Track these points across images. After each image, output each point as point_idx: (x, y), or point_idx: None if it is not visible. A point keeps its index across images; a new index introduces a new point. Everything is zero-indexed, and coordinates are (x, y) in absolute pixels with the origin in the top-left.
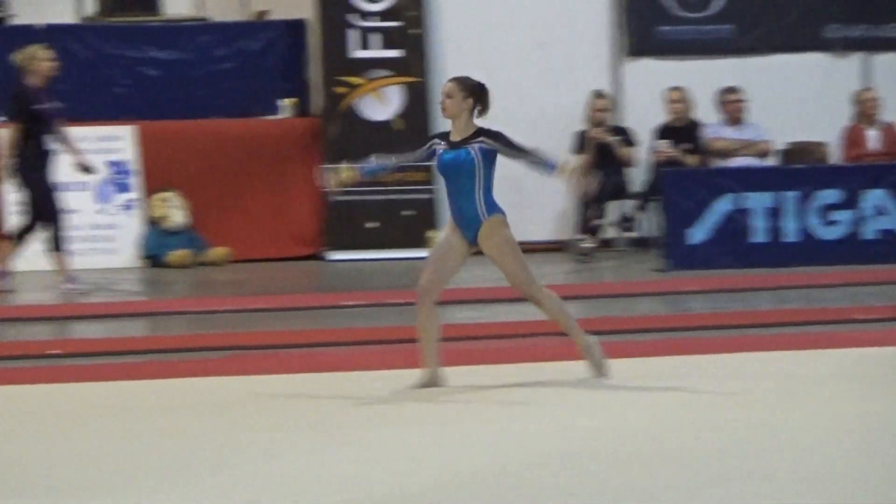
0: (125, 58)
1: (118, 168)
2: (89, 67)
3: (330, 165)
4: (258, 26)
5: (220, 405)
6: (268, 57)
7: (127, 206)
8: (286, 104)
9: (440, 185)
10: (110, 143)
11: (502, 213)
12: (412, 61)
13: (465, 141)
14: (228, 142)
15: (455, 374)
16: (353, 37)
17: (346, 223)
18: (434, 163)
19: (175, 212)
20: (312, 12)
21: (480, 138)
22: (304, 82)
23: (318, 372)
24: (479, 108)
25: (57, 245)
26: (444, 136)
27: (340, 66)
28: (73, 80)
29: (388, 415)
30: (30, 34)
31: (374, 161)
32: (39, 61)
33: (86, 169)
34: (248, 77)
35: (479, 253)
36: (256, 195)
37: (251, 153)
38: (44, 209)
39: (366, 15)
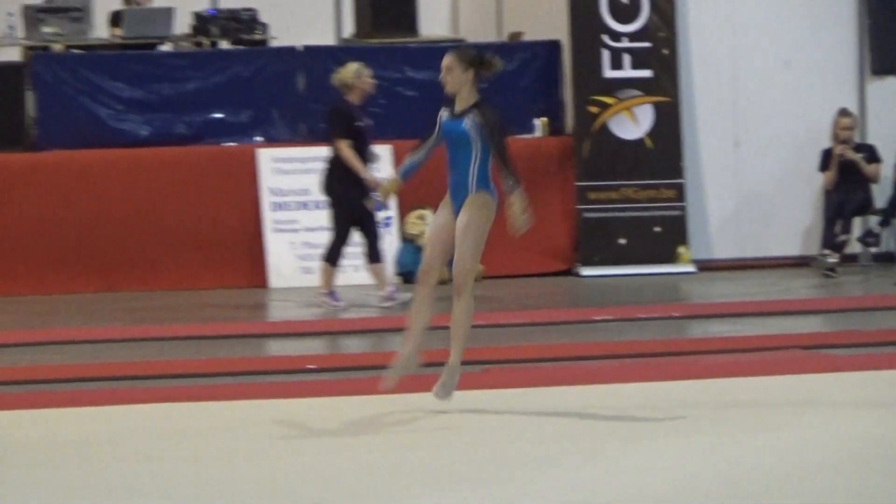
0: (382, 78)
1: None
2: None
3: (376, 194)
4: (513, 47)
5: (483, 417)
6: (523, 77)
7: (384, 224)
8: (540, 123)
9: (689, 202)
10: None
11: (491, 193)
12: (662, 81)
13: (464, 112)
14: None
15: (718, 386)
16: (605, 57)
17: (598, 239)
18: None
19: None
20: (566, 34)
21: (473, 111)
22: (558, 102)
23: (570, 385)
24: (483, 74)
25: (374, 257)
26: (451, 105)
27: (593, 85)
28: (331, 101)
29: (651, 426)
30: (290, 56)
31: (406, 161)
32: (361, 79)
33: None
34: (503, 97)
35: None
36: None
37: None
38: (361, 224)
39: (618, 36)
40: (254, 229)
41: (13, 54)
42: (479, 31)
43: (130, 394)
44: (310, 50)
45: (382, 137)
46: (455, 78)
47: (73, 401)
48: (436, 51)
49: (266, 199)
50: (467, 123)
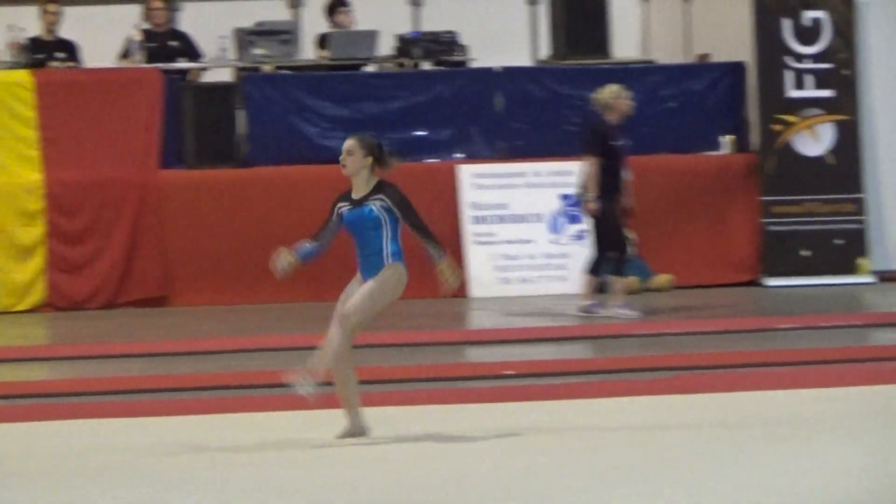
0: (577, 98)
1: (570, 201)
2: (544, 107)
3: (279, 255)
4: (701, 68)
5: (674, 420)
6: (709, 97)
7: (578, 237)
8: (726, 141)
9: (869, 215)
10: (562, 178)
11: (403, 264)
12: (843, 100)
13: (366, 198)
14: (673, 175)
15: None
16: (788, 78)
17: (781, 252)
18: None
19: None
20: (751, 55)
21: (379, 195)
22: (743, 120)
23: (755, 391)
24: (376, 165)
25: (595, 270)
26: (347, 195)
27: (777, 105)
28: (529, 119)
29: (834, 428)
30: (488, 76)
31: (308, 245)
32: (620, 100)
33: (626, 208)
34: (690, 115)
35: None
36: (697, 225)
37: (693, 186)
38: (610, 240)
39: (800, 57)
40: (454, 242)
41: (225, 75)
42: (670, 54)
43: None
44: (507, 71)
45: (577, 154)
46: (354, 162)
47: (284, 405)
48: (627, 72)
49: (466, 213)
50: (375, 207)
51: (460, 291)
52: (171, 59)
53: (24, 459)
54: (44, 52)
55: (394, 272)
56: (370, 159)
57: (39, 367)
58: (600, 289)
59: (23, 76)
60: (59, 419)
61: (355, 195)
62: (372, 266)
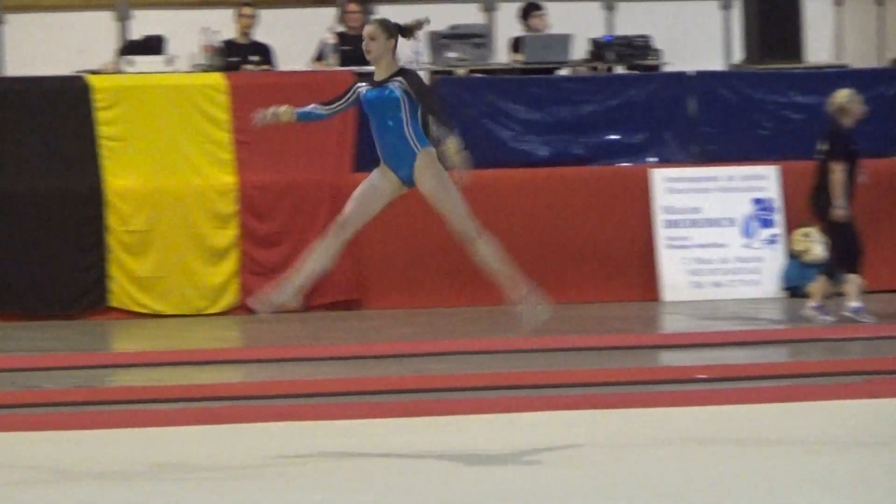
0: (769, 102)
1: (763, 205)
2: (736, 111)
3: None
4: (894, 73)
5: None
6: None
7: (771, 241)
8: None
9: None
10: (755, 182)
11: (431, 145)
12: None
13: (387, 80)
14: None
15: None
16: None
17: None
18: (358, 104)
19: (815, 246)
20: None
21: (398, 77)
22: None
23: None
24: (407, 37)
25: (831, 273)
26: (367, 79)
27: None
28: (722, 123)
29: None
30: (681, 81)
31: (311, 107)
32: (854, 104)
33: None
34: (883, 120)
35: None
36: (889, 228)
37: (886, 189)
38: (846, 244)
39: None
40: (647, 245)
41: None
42: (863, 58)
43: (531, 402)
44: (700, 75)
45: (770, 159)
46: (378, 46)
47: (476, 408)
48: (820, 77)
49: (659, 217)
50: (395, 88)
51: (651, 295)
52: (366, 62)
53: (233, 461)
54: (238, 54)
55: (431, 163)
56: (392, 42)
57: (232, 369)
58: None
59: (217, 79)
60: (252, 422)
61: (377, 77)
62: (399, 153)
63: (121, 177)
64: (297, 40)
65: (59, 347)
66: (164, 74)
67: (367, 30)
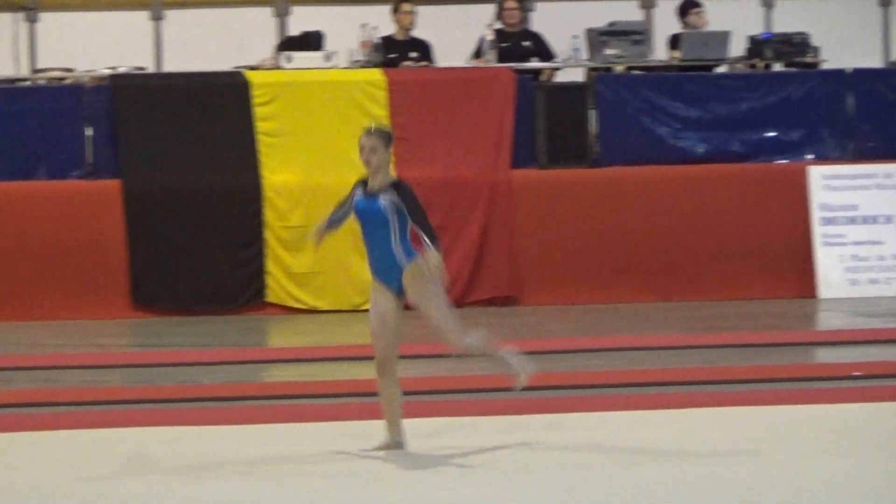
0: None
1: None
2: (894, 108)
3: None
4: None
5: None
6: None
7: None
8: None
9: None
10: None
11: (418, 257)
12: None
13: (379, 191)
14: None
15: None
16: None
17: None
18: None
19: None
20: None
21: (392, 191)
22: None
23: None
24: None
25: None
26: (363, 182)
27: None
28: (880, 121)
29: None
30: (839, 78)
31: (328, 218)
32: None
33: None
34: None
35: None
36: None
37: None
38: None
39: None
40: (803, 242)
41: (577, 75)
42: None
43: (687, 398)
44: (858, 72)
45: None
46: (379, 158)
47: (630, 404)
48: None
49: (816, 215)
50: (383, 202)
51: (807, 292)
52: (524, 59)
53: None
54: (397, 50)
55: (421, 278)
56: (390, 151)
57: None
58: None
59: (375, 75)
60: (407, 417)
61: (371, 185)
62: (388, 265)
63: (278, 173)
64: (455, 37)
65: (216, 343)
66: (323, 70)
67: (369, 142)
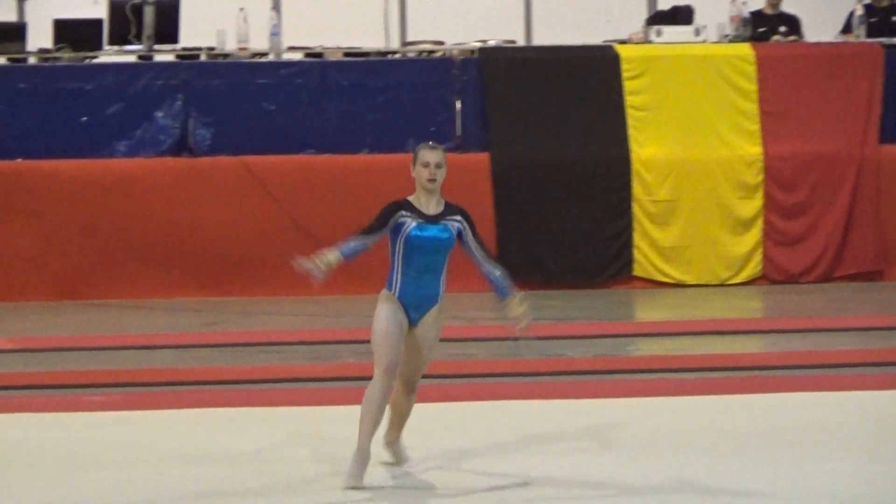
0: None
1: None
2: None
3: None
4: None
5: None
6: None
7: None
8: None
9: None
10: None
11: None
12: None
13: (442, 215)
14: None
15: None
16: None
17: None
18: (400, 238)
19: None
20: None
21: (458, 216)
22: None
23: None
24: None
25: None
26: (408, 207)
27: None
28: None
29: None
30: None
31: (352, 243)
32: None
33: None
34: None
35: None
36: None
37: None
38: None
39: None
40: None
41: None
42: None
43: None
44: None
45: None
46: (443, 175)
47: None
48: None
49: None
50: (453, 229)
51: None
52: (894, 34)
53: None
54: (766, 25)
55: (442, 315)
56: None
57: (751, 340)
58: None
59: (744, 50)
60: (769, 392)
61: (427, 210)
62: (423, 294)
63: (647, 146)
64: (824, 12)
65: (582, 316)
66: (692, 45)
67: (435, 157)
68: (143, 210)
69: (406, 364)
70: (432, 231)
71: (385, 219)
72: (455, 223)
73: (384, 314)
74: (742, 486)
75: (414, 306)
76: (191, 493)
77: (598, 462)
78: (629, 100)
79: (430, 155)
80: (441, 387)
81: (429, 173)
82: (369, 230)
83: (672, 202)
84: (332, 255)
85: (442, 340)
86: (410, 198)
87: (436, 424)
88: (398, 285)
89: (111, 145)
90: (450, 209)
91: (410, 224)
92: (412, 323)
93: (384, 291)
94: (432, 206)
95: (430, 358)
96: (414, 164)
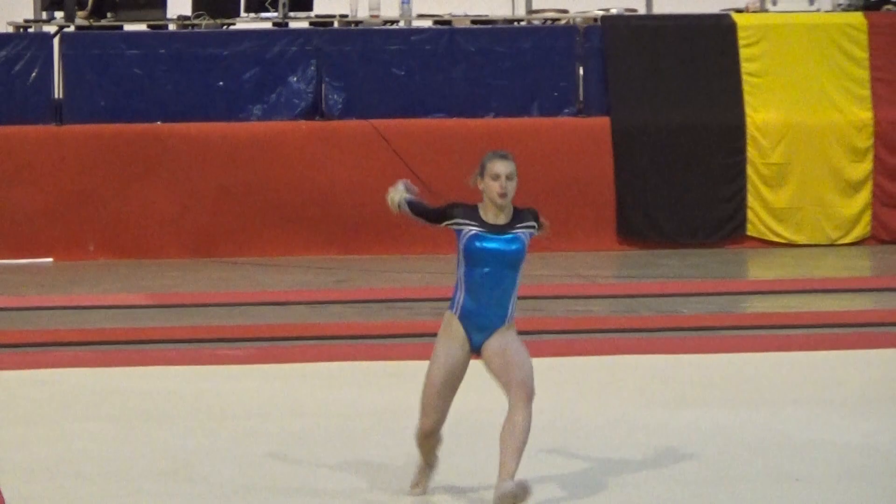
0: None
1: None
2: None
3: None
4: None
5: None
6: None
7: None
8: None
9: None
10: None
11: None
12: None
13: (511, 225)
14: None
15: None
16: None
17: None
18: (461, 245)
19: None
20: None
21: (530, 222)
22: None
23: None
24: None
25: None
26: (471, 214)
27: None
28: None
29: None
30: None
31: (414, 205)
32: None
33: None
34: None
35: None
36: None
37: None
38: None
39: None
40: None
41: None
42: None
43: None
44: None
45: None
46: (514, 188)
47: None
48: None
49: None
50: (524, 237)
51: None
52: None
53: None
54: None
55: (512, 333)
56: None
57: (860, 298)
58: None
59: (857, 18)
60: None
61: (494, 220)
62: (491, 312)
63: (761, 111)
64: None
65: (697, 275)
66: (806, 13)
67: (507, 168)
68: (277, 172)
69: (501, 374)
70: (496, 243)
71: (437, 216)
72: (527, 229)
73: (441, 360)
74: (842, 438)
75: (477, 328)
76: (319, 441)
77: (715, 417)
78: (745, 66)
79: (501, 166)
80: (559, 341)
81: (499, 187)
82: (422, 212)
83: (785, 165)
84: (398, 197)
85: (560, 298)
86: (479, 204)
87: (557, 377)
88: (460, 303)
89: (247, 109)
90: (519, 216)
91: (469, 232)
92: (474, 347)
93: (447, 313)
94: (502, 216)
95: (526, 362)
96: (481, 174)
